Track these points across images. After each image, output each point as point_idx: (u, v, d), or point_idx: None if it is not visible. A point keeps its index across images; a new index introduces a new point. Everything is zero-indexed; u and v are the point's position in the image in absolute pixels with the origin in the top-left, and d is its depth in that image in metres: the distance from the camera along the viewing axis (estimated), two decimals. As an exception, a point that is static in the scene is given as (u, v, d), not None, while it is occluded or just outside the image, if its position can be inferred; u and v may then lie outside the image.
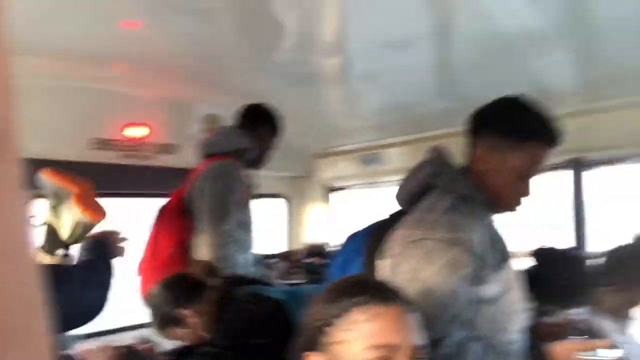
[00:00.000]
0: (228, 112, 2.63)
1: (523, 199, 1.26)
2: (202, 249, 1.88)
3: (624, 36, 1.71)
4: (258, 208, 2.25)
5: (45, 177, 1.33)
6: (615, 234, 2.02)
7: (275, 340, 1.54)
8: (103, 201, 1.44)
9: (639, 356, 1.55)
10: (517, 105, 1.24)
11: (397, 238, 1.22)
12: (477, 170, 1.26)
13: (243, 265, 1.95)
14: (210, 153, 2.08)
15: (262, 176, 2.34)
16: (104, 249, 1.30)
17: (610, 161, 2.21)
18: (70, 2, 1.60)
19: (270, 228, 3.14)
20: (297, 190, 3.28)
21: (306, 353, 0.86)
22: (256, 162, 2.20)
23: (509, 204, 1.27)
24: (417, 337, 0.83)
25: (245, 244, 2.06)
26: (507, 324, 1.23)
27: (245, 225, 2.07)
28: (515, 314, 1.25)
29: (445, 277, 1.11)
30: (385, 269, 1.22)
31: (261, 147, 2.18)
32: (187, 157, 2.49)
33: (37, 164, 1.20)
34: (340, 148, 3.02)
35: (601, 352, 1.17)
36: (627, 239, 1.89)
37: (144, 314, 1.91)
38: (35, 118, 2.11)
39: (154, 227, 2.03)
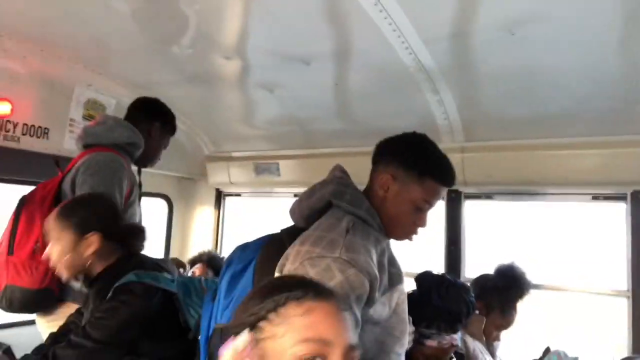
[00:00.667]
0: (115, 102, 2.45)
1: (418, 230, 1.32)
2: None
3: (495, 87, 1.89)
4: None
5: None
6: (487, 263, 2.22)
7: (161, 334, 1.49)
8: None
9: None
10: (422, 143, 1.31)
11: (294, 253, 1.20)
12: (377, 195, 1.30)
13: None
14: (92, 143, 1.87)
15: (147, 173, 2.19)
16: None
17: (483, 195, 2.42)
18: None
19: (152, 232, 2.96)
20: (185, 193, 3.14)
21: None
22: (143, 159, 2.04)
23: (403, 232, 1.32)
24: (352, 336, 0.80)
25: None
26: (391, 346, 1.26)
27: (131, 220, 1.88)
28: (399, 336, 1.28)
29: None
30: None
31: (150, 144, 2.02)
32: (60, 144, 2.27)
33: None
34: (234, 154, 2.94)
35: None
36: (492, 269, 2.11)
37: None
38: None
39: (15, 218, 1.78)
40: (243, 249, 1.43)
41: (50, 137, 2.24)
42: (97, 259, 1.52)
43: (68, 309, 1.74)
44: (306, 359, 0.74)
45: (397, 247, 1.40)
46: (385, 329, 1.25)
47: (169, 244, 3.08)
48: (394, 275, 1.30)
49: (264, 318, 0.79)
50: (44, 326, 1.78)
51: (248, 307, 0.81)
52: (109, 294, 1.46)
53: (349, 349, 0.77)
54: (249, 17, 1.73)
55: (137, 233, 1.63)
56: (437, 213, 1.49)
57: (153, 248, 2.97)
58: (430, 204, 1.29)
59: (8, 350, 2.16)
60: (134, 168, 2.02)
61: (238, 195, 3.18)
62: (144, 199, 2.12)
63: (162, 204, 3.04)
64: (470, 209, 2.44)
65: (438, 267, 2.38)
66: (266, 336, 0.78)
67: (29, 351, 1.54)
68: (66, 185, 1.79)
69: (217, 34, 1.87)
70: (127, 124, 1.94)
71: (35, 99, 2.20)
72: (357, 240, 1.19)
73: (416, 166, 1.27)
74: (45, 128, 2.24)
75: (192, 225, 3.17)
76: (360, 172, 1.37)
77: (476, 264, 2.43)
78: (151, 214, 2.83)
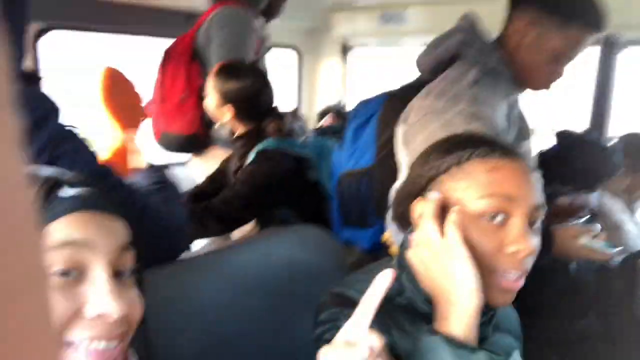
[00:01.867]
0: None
1: (554, 81, 1.21)
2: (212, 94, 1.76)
3: None
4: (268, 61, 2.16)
5: None
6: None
7: (293, 196, 1.65)
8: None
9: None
10: None
11: (416, 107, 1.19)
12: (511, 44, 1.19)
13: None
14: None
15: (274, 26, 2.21)
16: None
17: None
18: None
19: (280, 84, 3.05)
20: (311, 44, 3.13)
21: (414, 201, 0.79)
22: (269, 10, 2.05)
23: (539, 84, 1.22)
24: (538, 196, 0.75)
25: None
26: None
27: None
28: None
29: None
30: (399, 137, 1.22)
31: None
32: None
33: None
34: (360, 2, 2.79)
35: (599, 243, 1.18)
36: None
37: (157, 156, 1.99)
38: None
39: (161, 70, 1.97)
40: (366, 102, 1.45)
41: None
42: (237, 122, 1.65)
43: (217, 152, 1.98)
44: (489, 214, 0.72)
45: (535, 99, 1.30)
46: None
47: (299, 96, 3.20)
48: (522, 130, 1.23)
49: (445, 171, 0.76)
50: (198, 166, 2.06)
51: (428, 160, 0.79)
52: (251, 158, 1.59)
53: (534, 209, 0.73)
54: None
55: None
56: (584, 61, 1.30)
57: (284, 100, 3.14)
58: (572, 53, 1.15)
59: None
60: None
61: (364, 46, 3.09)
62: (273, 50, 2.17)
63: (288, 56, 3.09)
64: (626, 58, 2.09)
65: (581, 122, 2.17)
66: (446, 189, 0.75)
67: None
68: (200, 39, 1.89)
69: None
70: None
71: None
72: (484, 92, 1.13)
73: (559, 9, 1.11)
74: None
75: (319, 78, 3.22)
76: (492, 21, 1.23)
77: (625, 121, 2.16)
78: (277, 66, 2.91)
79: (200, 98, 1.89)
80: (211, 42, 1.85)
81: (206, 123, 1.93)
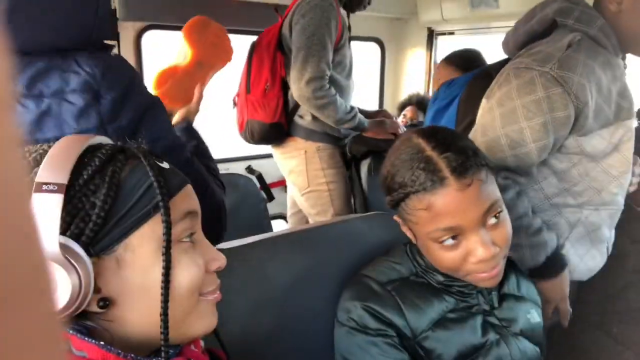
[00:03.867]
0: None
1: None
2: (295, 85, 1.83)
3: None
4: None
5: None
6: None
7: None
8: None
9: None
10: None
11: (503, 70, 1.14)
12: (608, 11, 1.10)
13: (341, 107, 1.89)
14: None
15: (357, 16, 2.19)
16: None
17: None
18: None
19: (364, 76, 3.02)
20: (395, 34, 3.07)
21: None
22: (352, 1, 2.02)
23: None
24: (486, 201, 0.79)
25: (344, 87, 1.97)
26: (604, 184, 1.15)
27: (343, 67, 1.98)
28: (617, 176, 1.15)
29: (532, 113, 1.03)
30: (481, 109, 1.17)
31: None
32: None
33: None
34: (447, -14, 2.68)
35: None
36: None
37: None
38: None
39: (247, 62, 2.04)
40: (449, 84, 1.39)
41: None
42: None
43: (296, 143, 2.02)
44: (437, 241, 0.81)
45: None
46: (601, 165, 1.11)
47: (382, 89, 3.16)
48: (622, 109, 1.10)
49: (400, 204, 0.85)
50: (279, 157, 2.12)
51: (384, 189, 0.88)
52: None
53: (485, 214, 0.79)
54: None
55: None
56: None
57: (367, 93, 3.12)
58: None
59: (260, 177, 2.69)
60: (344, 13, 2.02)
61: (451, 33, 2.97)
62: (355, 44, 2.15)
63: (372, 47, 3.05)
64: None
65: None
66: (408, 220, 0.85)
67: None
68: (285, 29, 1.93)
69: None
70: None
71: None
72: (579, 58, 1.03)
73: None
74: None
75: (403, 69, 3.15)
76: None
77: None
78: (360, 59, 2.88)
79: (283, 88, 1.95)
80: (294, 29, 1.87)
81: (288, 113, 1.98)
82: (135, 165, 0.54)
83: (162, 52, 2.35)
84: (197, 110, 1.18)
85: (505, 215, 0.83)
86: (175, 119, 1.16)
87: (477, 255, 0.78)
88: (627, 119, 1.11)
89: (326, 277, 1.03)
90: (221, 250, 0.63)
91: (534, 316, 0.94)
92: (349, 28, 2.05)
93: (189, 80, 1.18)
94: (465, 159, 0.77)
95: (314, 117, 1.96)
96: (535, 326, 0.93)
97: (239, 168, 2.58)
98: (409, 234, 0.88)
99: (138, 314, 0.54)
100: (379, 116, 2.17)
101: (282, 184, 2.61)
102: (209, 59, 1.27)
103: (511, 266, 0.99)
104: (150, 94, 0.88)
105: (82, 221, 0.50)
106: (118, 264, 0.52)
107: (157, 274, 0.53)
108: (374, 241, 1.10)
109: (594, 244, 1.18)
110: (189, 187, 0.60)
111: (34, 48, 0.73)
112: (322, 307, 1.00)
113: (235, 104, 2.14)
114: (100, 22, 0.80)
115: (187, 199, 0.59)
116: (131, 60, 2.21)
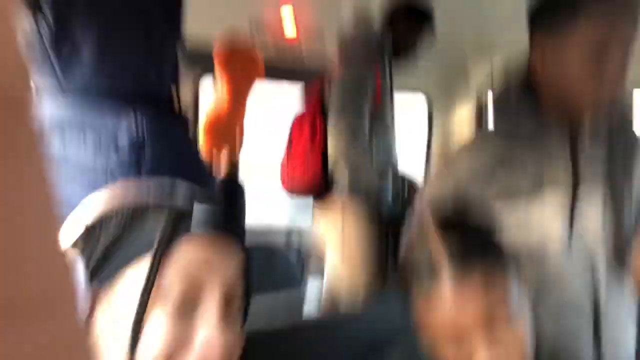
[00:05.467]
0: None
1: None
2: (333, 138, 1.86)
3: None
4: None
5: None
6: None
7: None
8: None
9: None
10: None
11: None
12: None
13: (383, 164, 1.88)
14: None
15: (402, 67, 2.09)
16: None
17: None
18: None
19: (408, 135, 2.88)
20: (444, 88, 2.92)
21: None
22: (398, 52, 2.02)
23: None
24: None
25: (386, 142, 1.96)
26: None
27: (383, 120, 1.95)
28: None
29: None
30: None
31: (403, 36, 2.00)
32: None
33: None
34: (499, 40, 2.53)
35: None
36: None
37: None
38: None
39: (294, 120, 2.07)
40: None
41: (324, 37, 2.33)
42: None
43: (335, 199, 1.96)
44: None
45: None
46: None
47: (429, 147, 2.98)
48: None
49: None
50: (317, 213, 2.09)
51: None
52: None
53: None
54: None
55: None
56: None
57: (411, 151, 2.94)
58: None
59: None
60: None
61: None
62: (400, 97, 2.10)
63: (416, 101, 2.92)
64: None
65: None
66: None
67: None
68: (329, 83, 1.94)
69: None
70: (380, 19, 1.98)
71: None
72: None
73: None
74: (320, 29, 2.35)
75: (452, 125, 2.98)
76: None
77: None
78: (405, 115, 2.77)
79: (324, 141, 1.93)
80: (333, 83, 1.90)
81: (328, 170, 1.95)
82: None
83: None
84: (240, 147, 1.21)
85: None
86: (222, 166, 1.17)
87: None
88: None
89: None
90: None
91: None
92: (392, 78, 2.02)
93: (228, 118, 1.20)
94: None
95: (354, 174, 1.92)
96: None
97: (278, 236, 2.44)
98: None
99: None
100: None
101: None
102: (241, 85, 1.26)
103: None
104: (192, 147, 0.91)
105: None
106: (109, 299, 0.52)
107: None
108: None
109: None
110: (209, 236, 0.54)
111: (99, 92, 0.77)
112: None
113: (283, 160, 2.12)
114: (164, 77, 0.84)
115: (198, 246, 0.53)
116: (189, 102, 2.24)
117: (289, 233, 2.49)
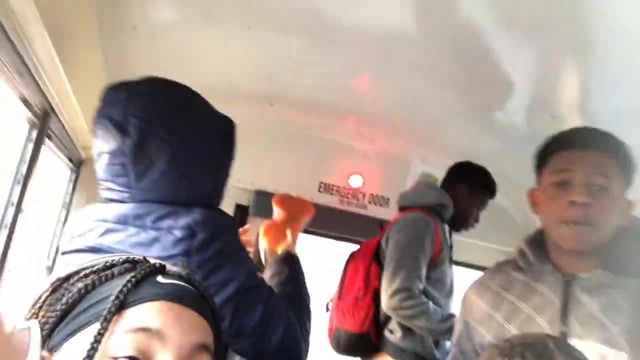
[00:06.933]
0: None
1: None
2: (384, 296, 1.83)
3: None
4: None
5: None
6: None
7: None
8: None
9: None
10: None
11: None
12: None
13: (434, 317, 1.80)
14: (406, 205, 2.05)
15: (464, 243, 2.16)
16: None
17: None
18: (309, 53, 1.76)
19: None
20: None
21: None
22: (455, 220, 2.06)
23: None
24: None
25: (443, 307, 1.89)
26: None
27: (442, 285, 1.93)
28: None
29: None
30: None
31: (460, 205, 2.04)
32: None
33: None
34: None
35: None
36: None
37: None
38: (277, 159, 2.48)
39: (344, 269, 2.09)
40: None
41: (390, 205, 2.55)
42: None
43: (386, 359, 1.87)
44: None
45: None
46: None
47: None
48: None
49: None
50: None
51: None
52: None
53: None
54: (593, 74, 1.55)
55: None
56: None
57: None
58: None
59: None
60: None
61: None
62: (462, 270, 2.09)
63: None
64: None
65: None
66: None
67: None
68: (383, 242, 1.99)
69: (550, 98, 1.75)
70: (436, 186, 2.08)
71: (380, 173, 2.61)
72: None
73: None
74: (387, 197, 2.59)
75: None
76: None
77: None
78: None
79: (375, 299, 1.90)
80: (389, 243, 1.93)
81: (379, 325, 1.89)
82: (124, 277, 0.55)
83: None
84: (294, 243, 1.30)
85: None
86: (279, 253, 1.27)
87: None
88: None
89: None
90: None
91: None
92: (451, 246, 2.04)
93: (284, 227, 1.35)
94: None
95: (405, 334, 1.85)
96: None
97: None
98: None
99: None
100: None
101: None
102: (295, 213, 1.41)
103: None
104: (237, 243, 1.01)
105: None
106: None
107: None
108: None
109: None
110: (164, 304, 0.53)
111: (167, 199, 0.96)
112: None
113: (327, 309, 2.11)
114: (216, 190, 1.05)
115: (151, 314, 0.52)
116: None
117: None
